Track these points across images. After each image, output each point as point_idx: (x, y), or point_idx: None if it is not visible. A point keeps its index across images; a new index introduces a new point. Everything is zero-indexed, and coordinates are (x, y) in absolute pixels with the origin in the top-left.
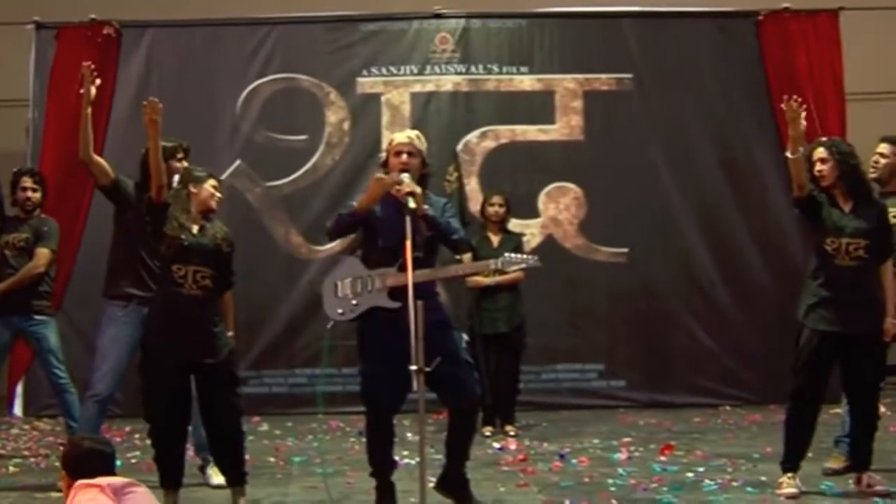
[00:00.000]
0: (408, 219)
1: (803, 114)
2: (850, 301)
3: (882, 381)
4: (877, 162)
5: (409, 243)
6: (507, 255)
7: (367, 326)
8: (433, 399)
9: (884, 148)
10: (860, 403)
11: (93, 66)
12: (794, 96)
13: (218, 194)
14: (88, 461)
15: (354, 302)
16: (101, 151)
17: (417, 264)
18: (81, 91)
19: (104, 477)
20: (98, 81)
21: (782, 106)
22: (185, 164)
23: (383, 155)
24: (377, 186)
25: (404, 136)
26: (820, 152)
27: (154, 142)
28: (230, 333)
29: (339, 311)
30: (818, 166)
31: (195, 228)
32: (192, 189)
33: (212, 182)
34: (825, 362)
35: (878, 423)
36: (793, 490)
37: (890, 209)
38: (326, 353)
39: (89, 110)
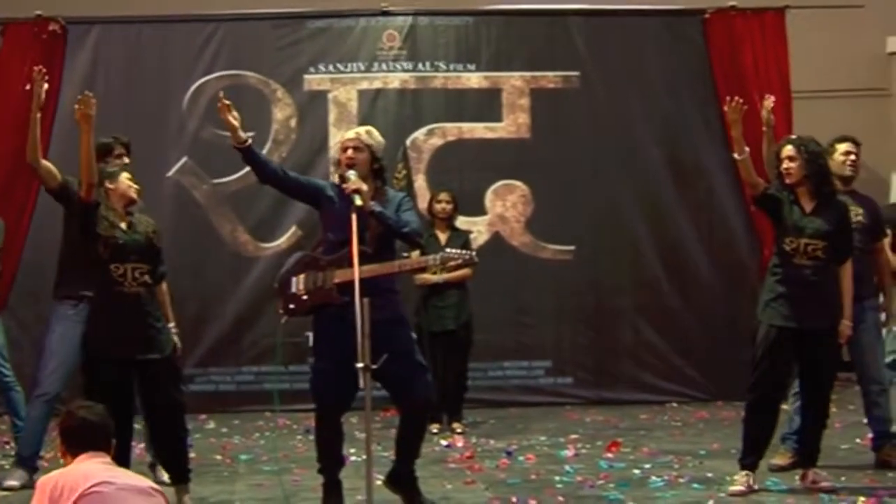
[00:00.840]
0: (353, 216)
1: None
2: (806, 298)
3: (835, 378)
4: (855, 161)
5: (354, 240)
6: (446, 250)
7: (319, 322)
8: (381, 396)
9: (852, 147)
10: (813, 399)
11: (44, 70)
12: (737, 98)
13: (135, 185)
14: (82, 433)
15: (305, 297)
16: (48, 149)
17: (366, 260)
18: (27, 87)
19: (83, 462)
20: (46, 86)
21: (725, 108)
22: (127, 160)
23: (334, 154)
24: (221, 110)
25: (352, 132)
26: (788, 150)
27: (86, 137)
28: (171, 325)
29: (291, 306)
30: (785, 164)
31: (124, 225)
32: (109, 186)
33: (125, 175)
34: (782, 358)
35: (827, 420)
36: (739, 487)
37: (852, 209)
38: (280, 349)
39: (38, 114)
